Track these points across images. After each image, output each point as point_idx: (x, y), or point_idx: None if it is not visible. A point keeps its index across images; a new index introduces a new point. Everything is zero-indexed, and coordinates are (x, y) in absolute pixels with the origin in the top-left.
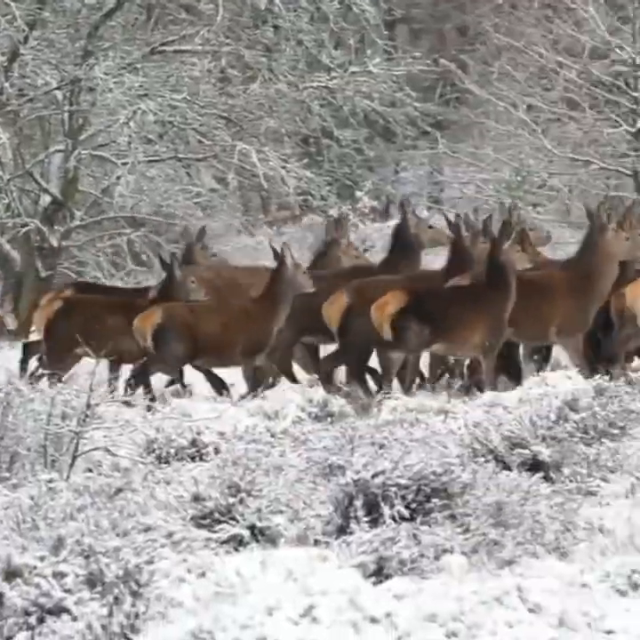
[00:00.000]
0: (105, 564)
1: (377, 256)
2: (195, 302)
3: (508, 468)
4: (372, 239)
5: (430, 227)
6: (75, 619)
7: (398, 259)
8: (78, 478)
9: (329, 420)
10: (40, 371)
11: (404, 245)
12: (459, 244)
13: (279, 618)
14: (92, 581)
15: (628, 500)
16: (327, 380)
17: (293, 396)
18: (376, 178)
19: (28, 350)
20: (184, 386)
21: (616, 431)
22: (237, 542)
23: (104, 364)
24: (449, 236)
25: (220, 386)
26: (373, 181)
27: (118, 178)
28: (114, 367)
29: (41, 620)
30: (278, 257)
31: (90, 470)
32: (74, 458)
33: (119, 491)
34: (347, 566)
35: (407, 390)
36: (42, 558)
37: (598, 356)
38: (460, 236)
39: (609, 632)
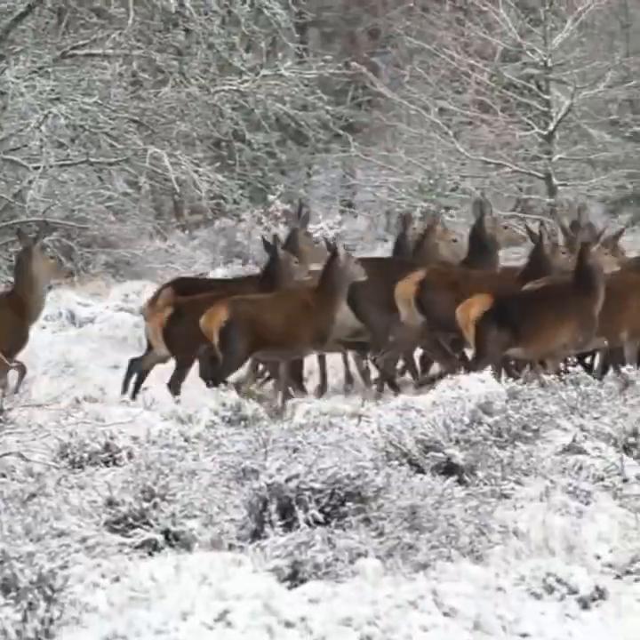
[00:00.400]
0: (19, 569)
1: None
2: (259, 295)
3: (421, 471)
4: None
5: (505, 227)
6: None
7: (477, 258)
8: None
9: (242, 423)
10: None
11: (482, 245)
12: (539, 251)
13: (193, 622)
14: (6, 587)
15: (543, 503)
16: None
17: (207, 399)
18: (288, 181)
19: (135, 365)
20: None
21: (530, 434)
22: (151, 547)
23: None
24: (522, 235)
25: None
26: (285, 185)
27: (30, 182)
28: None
29: None
30: (329, 248)
31: (3, 475)
32: None
33: (32, 496)
34: (261, 571)
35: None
36: None
37: None
38: (542, 244)
39: (524, 635)
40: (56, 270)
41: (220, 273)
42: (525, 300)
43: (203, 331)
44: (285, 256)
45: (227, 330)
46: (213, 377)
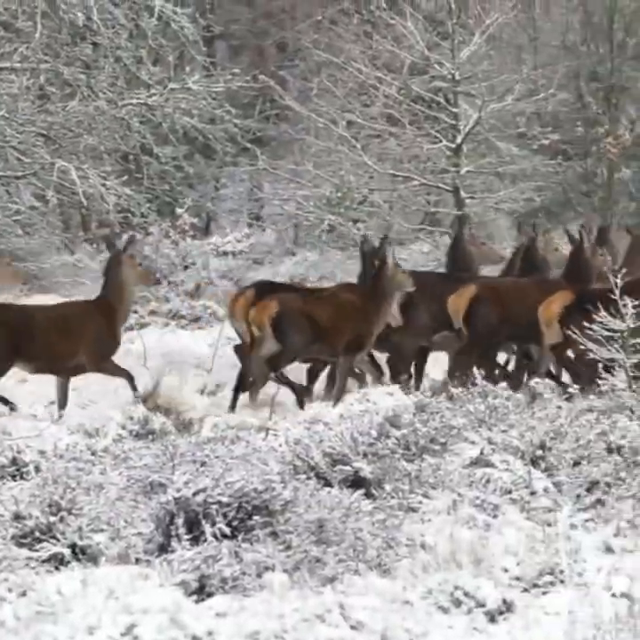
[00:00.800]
0: None
1: None
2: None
3: (329, 484)
4: (191, 256)
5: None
6: None
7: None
8: None
9: (150, 437)
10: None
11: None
12: (579, 255)
13: (100, 637)
14: None
15: (450, 517)
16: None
17: (114, 413)
18: (196, 194)
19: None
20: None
21: (437, 447)
22: (58, 561)
23: None
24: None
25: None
26: (193, 198)
27: None
28: None
29: None
30: (377, 257)
31: None
32: None
33: None
34: (168, 584)
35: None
36: None
37: None
38: (582, 248)
39: None
40: (145, 277)
41: None
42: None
43: (253, 321)
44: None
45: (278, 322)
46: (272, 365)
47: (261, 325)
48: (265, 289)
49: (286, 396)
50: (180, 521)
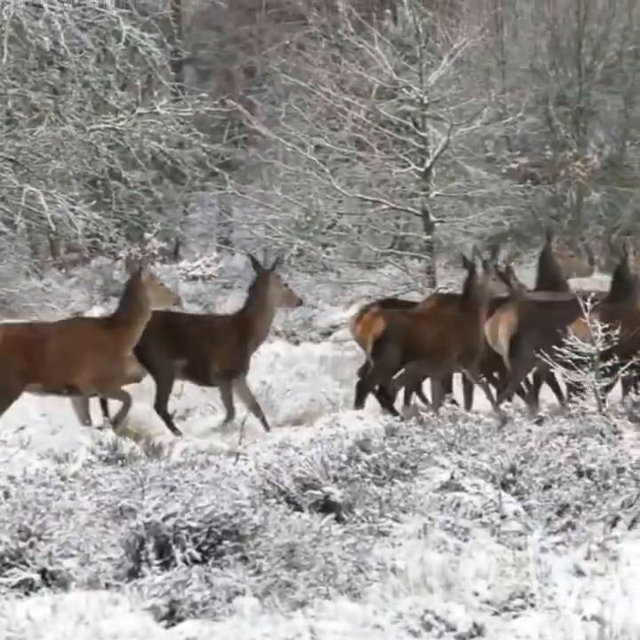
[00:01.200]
0: None
1: None
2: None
3: (299, 509)
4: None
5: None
6: None
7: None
8: None
9: (120, 462)
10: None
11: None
12: (624, 270)
13: None
14: None
15: (421, 540)
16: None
17: (83, 438)
18: (165, 219)
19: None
20: None
21: (407, 471)
22: (28, 587)
23: None
24: None
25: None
26: (162, 223)
27: None
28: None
29: None
30: (466, 265)
31: None
32: None
33: None
34: (138, 609)
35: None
36: None
37: None
38: (626, 263)
39: None
40: (288, 298)
41: (97, 312)
42: None
43: (357, 339)
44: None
45: (382, 339)
46: (364, 383)
47: (366, 344)
48: (388, 306)
49: (255, 420)
50: (149, 546)
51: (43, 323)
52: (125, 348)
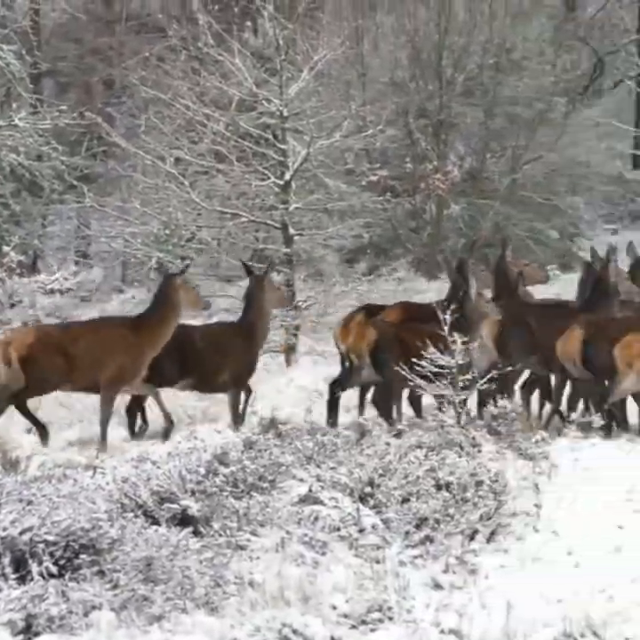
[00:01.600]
0: None
1: None
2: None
3: (157, 522)
4: (18, 294)
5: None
6: None
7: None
8: None
9: None
10: None
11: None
12: (604, 279)
13: None
14: None
15: (278, 554)
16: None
17: None
18: (23, 232)
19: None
20: None
21: (266, 485)
22: None
23: None
24: None
25: None
26: (20, 236)
27: None
28: None
29: None
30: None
31: None
32: None
33: None
34: None
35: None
36: None
37: None
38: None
39: None
40: (282, 300)
41: None
42: None
43: (351, 349)
44: (476, 294)
45: (375, 350)
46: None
47: (360, 354)
48: (374, 312)
49: (114, 433)
50: (6, 560)
51: (73, 322)
52: (154, 348)
